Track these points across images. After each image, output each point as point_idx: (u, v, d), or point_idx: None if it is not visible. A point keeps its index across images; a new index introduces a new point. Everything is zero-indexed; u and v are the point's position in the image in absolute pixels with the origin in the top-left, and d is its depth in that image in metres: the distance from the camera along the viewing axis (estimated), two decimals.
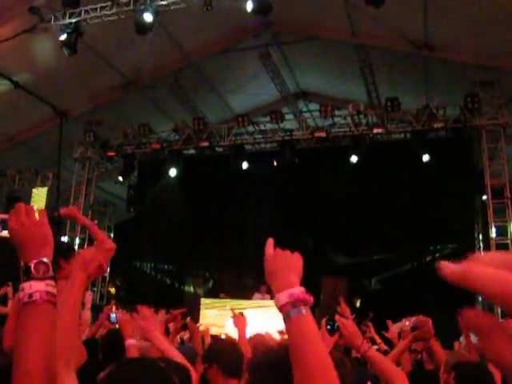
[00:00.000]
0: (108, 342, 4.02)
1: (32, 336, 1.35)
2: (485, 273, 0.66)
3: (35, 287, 1.38)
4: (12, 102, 13.81)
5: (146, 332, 3.05)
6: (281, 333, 6.33)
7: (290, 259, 1.51)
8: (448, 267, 0.70)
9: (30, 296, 1.37)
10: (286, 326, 1.39)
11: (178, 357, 2.76)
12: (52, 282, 1.41)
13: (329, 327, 3.55)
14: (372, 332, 4.74)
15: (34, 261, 1.41)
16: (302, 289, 1.42)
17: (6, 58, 12.64)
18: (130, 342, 3.27)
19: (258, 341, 4.04)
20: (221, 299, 13.15)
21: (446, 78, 13.40)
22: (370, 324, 5.09)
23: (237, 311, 4.20)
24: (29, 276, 1.39)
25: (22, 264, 1.42)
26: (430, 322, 4.22)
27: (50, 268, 1.43)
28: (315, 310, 11.67)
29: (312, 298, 1.42)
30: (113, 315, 6.49)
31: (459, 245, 13.49)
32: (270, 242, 1.57)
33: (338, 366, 1.53)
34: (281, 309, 1.39)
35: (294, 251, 1.55)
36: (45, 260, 1.43)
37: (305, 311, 1.38)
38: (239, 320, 4.13)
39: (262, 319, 11.41)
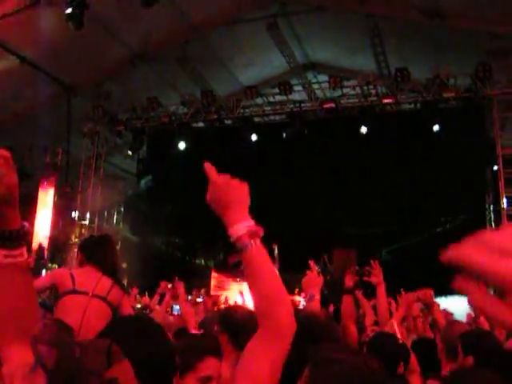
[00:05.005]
0: None
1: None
2: (486, 263, 0.63)
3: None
4: (19, 78, 13.75)
5: None
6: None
7: (242, 190, 1.51)
8: (447, 255, 0.66)
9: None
10: (242, 255, 1.45)
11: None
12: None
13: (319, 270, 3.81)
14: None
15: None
16: (253, 221, 1.46)
17: (12, 34, 12.56)
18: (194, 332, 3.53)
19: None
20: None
21: (457, 47, 13.15)
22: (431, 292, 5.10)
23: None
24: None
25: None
26: (432, 292, 4.35)
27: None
28: (326, 279, 11.73)
29: (262, 230, 1.46)
30: (176, 307, 6.31)
31: (470, 216, 13.43)
32: (209, 166, 1.52)
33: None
34: (238, 240, 1.44)
35: (243, 182, 1.52)
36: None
37: (259, 242, 1.45)
38: None
39: None
